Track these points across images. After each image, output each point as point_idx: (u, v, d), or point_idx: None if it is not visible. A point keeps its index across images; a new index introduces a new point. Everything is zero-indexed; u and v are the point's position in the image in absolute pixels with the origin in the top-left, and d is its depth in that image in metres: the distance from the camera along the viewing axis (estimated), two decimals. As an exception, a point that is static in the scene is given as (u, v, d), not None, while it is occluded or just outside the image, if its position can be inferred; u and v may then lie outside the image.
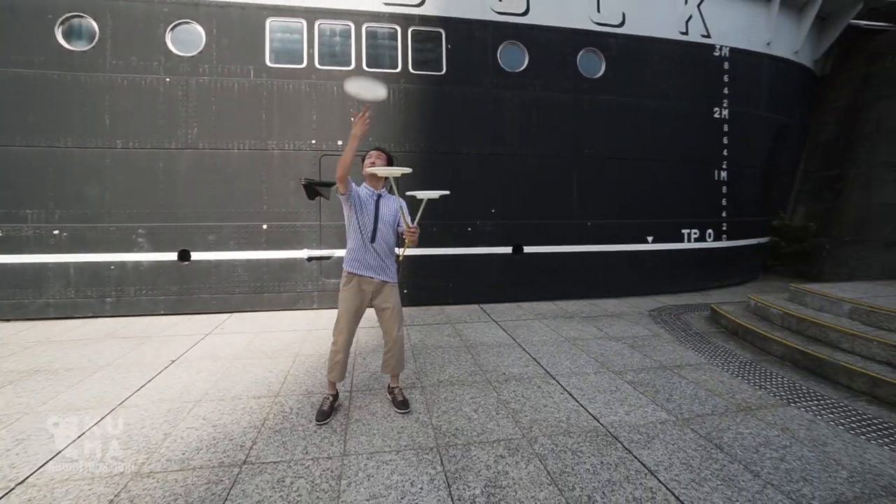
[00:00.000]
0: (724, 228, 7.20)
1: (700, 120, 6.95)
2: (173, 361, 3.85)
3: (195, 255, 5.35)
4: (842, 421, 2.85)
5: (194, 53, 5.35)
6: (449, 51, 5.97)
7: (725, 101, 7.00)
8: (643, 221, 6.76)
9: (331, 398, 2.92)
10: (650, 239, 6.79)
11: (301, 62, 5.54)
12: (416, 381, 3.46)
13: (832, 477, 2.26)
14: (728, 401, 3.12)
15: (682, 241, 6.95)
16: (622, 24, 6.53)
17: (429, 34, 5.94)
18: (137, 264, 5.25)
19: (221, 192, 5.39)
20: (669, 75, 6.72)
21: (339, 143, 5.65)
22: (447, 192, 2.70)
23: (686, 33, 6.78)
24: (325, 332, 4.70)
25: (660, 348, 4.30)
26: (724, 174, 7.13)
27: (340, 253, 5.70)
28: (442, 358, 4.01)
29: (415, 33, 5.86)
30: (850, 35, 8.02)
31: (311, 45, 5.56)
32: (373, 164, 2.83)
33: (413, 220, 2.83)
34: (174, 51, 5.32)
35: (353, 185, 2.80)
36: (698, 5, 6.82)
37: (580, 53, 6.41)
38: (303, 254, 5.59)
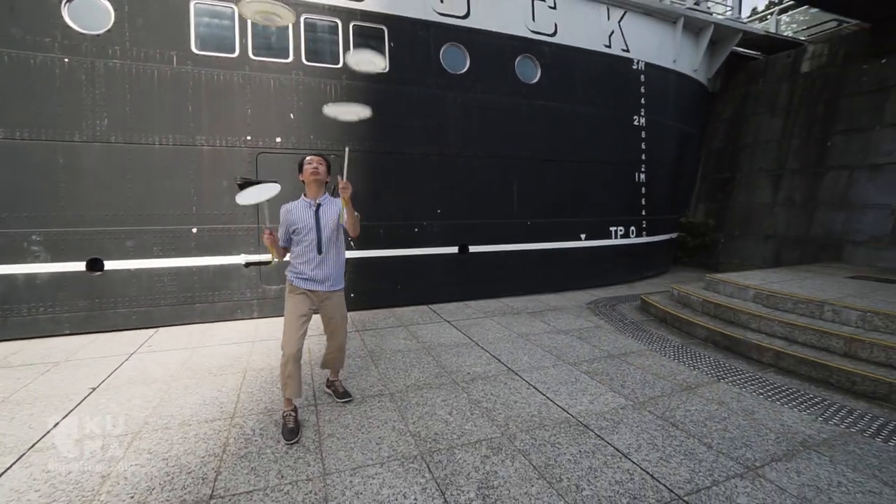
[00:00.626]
0: (644, 226, 8.00)
1: (622, 126, 7.63)
2: (94, 389, 3.32)
3: (110, 265, 4.64)
4: (760, 391, 3.33)
5: (100, 32, 4.63)
6: (392, 49, 5.86)
7: (642, 109, 7.77)
8: (576, 220, 7.25)
9: (293, 414, 2.74)
10: (583, 236, 7.31)
11: (233, 51, 5.06)
12: (382, 389, 3.37)
13: (764, 440, 2.63)
14: (672, 382, 3.49)
15: (609, 237, 7.58)
16: (555, 34, 6.92)
17: (371, 31, 5.77)
18: (31, 277, 4.41)
19: (141, 193, 4.73)
20: (596, 84, 7.28)
21: (278, 140, 5.27)
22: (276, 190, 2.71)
23: (609, 46, 7.39)
24: (273, 343, 4.38)
25: (604, 338, 4.66)
26: (642, 176, 7.91)
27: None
28: (403, 362, 3.94)
29: (356, 28, 5.66)
30: (733, 59, 9.34)
31: (243, 34, 5.11)
32: (315, 171, 2.74)
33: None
34: (73, 26, 4.55)
35: (282, 217, 2.77)
36: (619, 21, 7.47)
37: (518, 59, 6.67)
38: (240, 259, 5.13)
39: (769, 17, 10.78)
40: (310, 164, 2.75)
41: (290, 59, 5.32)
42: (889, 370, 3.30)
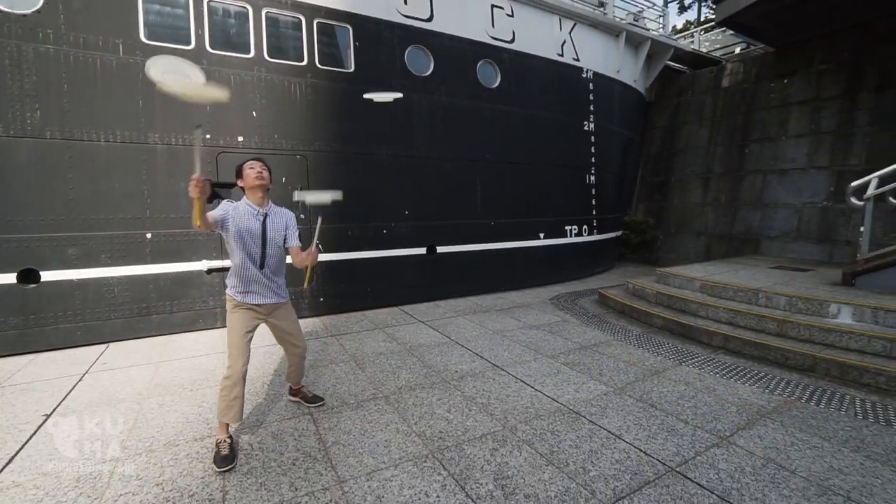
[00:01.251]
0: (595, 225, 8.56)
1: (574, 131, 8.12)
2: (48, 416, 2.97)
3: (47, 275, 4.13)
4: (716, 370, 3.76)
5: (28, 12, 4.10)
6: (357, 48, 5.78)
7: (592, 115, 8.31)
8: (536, 220, 7.61)
9: (228, 441, 2.48)
10: (542, 235, 7.69)
11: (188, 43, 4.72)
12: (375, 392, 3.36)
13: (728, 413, 3.00)
14: (641, 368, 3.82)
15: (565, 236, 8.03)
16: (513, 40, 7.20)
17: (335, 29, 5.66)
18: (-52, 293, 3.83)
19: (85, 195, 4.26)
20: (551, 90, 7.68)
21: (240, 139, 5.00)
22: (339, 195, 2.62)
23: (562, 55, 7.82)
24: (246, 354, 4.16)
25: (573, 331, 4.96)
26: (592, 178, 8.47)
27: (247, 262, 5.06)
28: (389, 364, 3.94)
29: (321, 26, 5.51)
30: (665, 72, 10.28)
31: (199, 25, 4.77)
32: (260, 175, 2.50)
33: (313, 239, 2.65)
34: (-8, 4, 4.00)
35: (224, 206, 2.46)
36: (570, 32, 7.93)
37: (479, 64, 6.86)
38: (201, 265, 4.80)
39: (693, 35, 11.96)
40: (252, 168, 2.51)
41: (252, 54, 5.06)
42: (812, 345, 3.88)
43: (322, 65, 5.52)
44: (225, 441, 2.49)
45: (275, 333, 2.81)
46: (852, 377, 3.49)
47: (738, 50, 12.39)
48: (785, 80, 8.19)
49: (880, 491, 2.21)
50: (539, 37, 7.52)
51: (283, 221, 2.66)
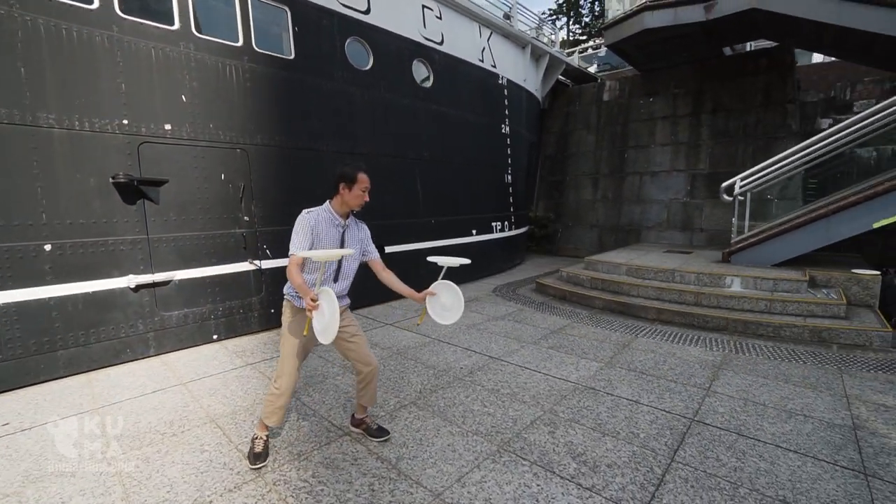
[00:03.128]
0: (513, 220, 9.29)
1: (495, 133, 8.68)
2: (-30, 505, 2.12)
3: None
4: (665, 338, 4.53)
5: None
6: (296, 34, 5.26)
7: (507, 119, 8.98)
8: (469, 217, 7.94)
9: (264, 438, 2.47)
10: (474, 231, 8.06)
11: (89, 1, 3.71)
12: (400, 400, 3.22)
13: (695, 370, 3.68)
14: (612, 343, 4.40)
15: (492, 231, 8.55)
16: (442, 42, 7.36)
17: (272, 9, 5.06)
18: None
19: (-52, 195, 3.04)
20: (475, 94, 8.07)
21: (168, 127, 4.14)
22: (468, 261, 2.56)
23: (482, 61, 8.27)
24: (213, 381, 3.52)
25: (534, 318, 5.39)
26: (509, 177, 9.17)
27: (182, 275, 4.23)
28: (391, 370, 3.78)
29: (256, 4, 4.87)
30: (555, 84, 11.64)
31: (102, -21, 3.79)
32: (364, 199, 2.34)
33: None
34: None
35: (307, 218, 2.29)
36: (488, 40, 8.44)
37: (413, 62, 6.86)
38: (125, 281, 3.84)
39: (573, 54, 13.75)
40: (365, 187, 2.31)
41: (177, 26, 4.21)
42: (721, 310, 4.96)
43: (259, 48, 4.88)
44: (261, 438, 2.47)
45: (342, 348, 2.51)
46: (752, 331, 4.59)
47: (592, 69, 14.75)
48: (651, 99, 10.05)
49: (813, 405, 3.03)
50: (464, 41, 7.82)
51: (359, 235, 2.49)
